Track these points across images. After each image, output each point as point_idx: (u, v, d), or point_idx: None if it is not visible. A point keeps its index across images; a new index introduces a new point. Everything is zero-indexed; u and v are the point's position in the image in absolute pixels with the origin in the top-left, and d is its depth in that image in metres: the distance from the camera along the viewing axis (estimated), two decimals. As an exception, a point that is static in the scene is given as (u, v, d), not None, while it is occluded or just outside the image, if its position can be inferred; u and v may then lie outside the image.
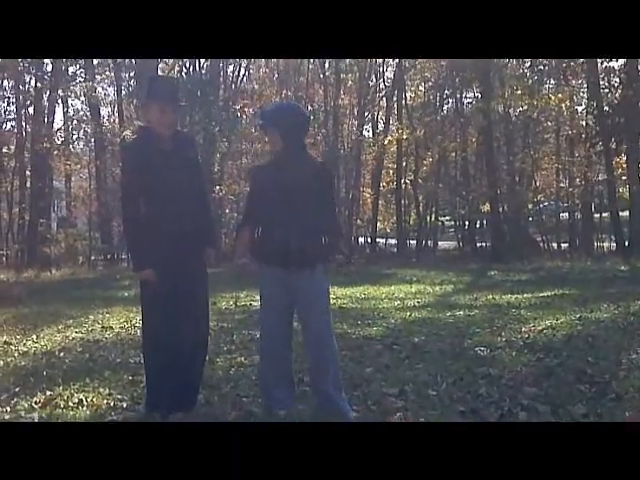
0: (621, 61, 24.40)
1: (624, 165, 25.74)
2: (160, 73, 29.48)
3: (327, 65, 32.91)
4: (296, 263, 4.67)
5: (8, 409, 5.37)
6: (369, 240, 33.28)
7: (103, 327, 9.80)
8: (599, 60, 24.41)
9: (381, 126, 35.90)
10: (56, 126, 30.08)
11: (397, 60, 32.24)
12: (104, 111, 33.26)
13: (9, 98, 28.41)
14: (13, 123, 28.95)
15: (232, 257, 4.99)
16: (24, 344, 8.60)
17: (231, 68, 32.02)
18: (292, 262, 4.67)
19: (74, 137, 31.23)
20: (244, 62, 32.46)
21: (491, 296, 12.49)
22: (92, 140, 30.56)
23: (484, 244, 29.67)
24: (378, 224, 34.52)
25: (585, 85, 28.47)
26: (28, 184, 28.24)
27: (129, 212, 4.85)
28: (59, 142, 29.48)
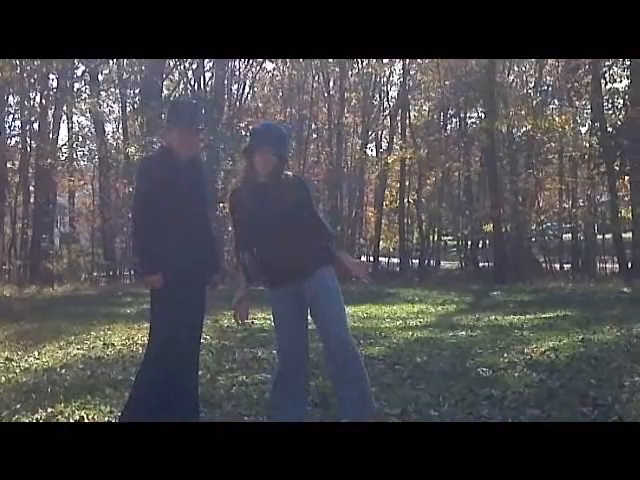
0: (625, 82, 24.49)
1: (627, 186, 25.76)
2: (165, 91, 29.66)
3: (331, 84, 33.06)
4: (299, 276, 4.69)
5: (9, 426, 5.35)
6: (372, 259, 33.24)
7: (105, 344, 9.78)
8: (603, 81, 24.49)
9: (385, 145, 36.00)
10: (60, 142, 30.18)
11: (401, 79, 32.41)
12: (108, 128, 33.40)
13: (14, 114, 28.47)
14: (18, 139, 28.99)
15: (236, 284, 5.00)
16: (25, 360, 8.59)
17: (235, 86, 32.15)
18: (295, 276, 4.70)
19: (78, 153, 31.26)
20: (248, 80, 32.61)
21: (493, 317, 12.47)
22: (96, 157, 30.60)
23: (487, 264, 29.62)
24: (381, 243, 34.51)
25: (589, 106, 28.53)
26: (32, 200, 28.29)
27: (142, 222, 4.89)
28: (63, 158, 29.53)
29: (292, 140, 5.60)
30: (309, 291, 4.71)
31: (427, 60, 30.31)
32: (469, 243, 33.22)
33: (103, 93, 30.94)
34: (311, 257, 4.70)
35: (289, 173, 4.96)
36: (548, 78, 31.50)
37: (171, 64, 30.25)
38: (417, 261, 32.81)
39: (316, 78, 33.19)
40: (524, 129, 28.57)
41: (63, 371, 7.76)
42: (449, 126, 35.38)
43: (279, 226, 4.69)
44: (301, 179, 5.16)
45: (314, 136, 34.76)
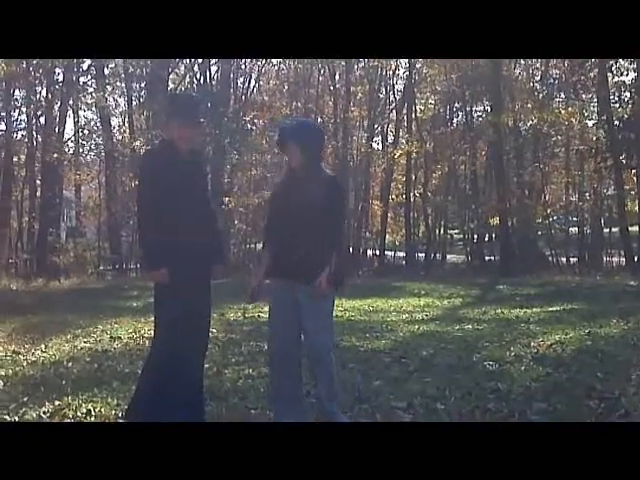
0: (632, 75, 24.43)
1: (634, 180, 25.69)
2: (171, 85, 29.62)
3: (337, 77, 33.00)
4: (302, 277, 4.71)
5: (16, 419, 5.37)
6: (377, 252, 33.25)
7: (111, 337, 9.80)
8: (609, 74, 24.42)
9: (391, 138, 35.97)
10: (67, 136, 30.18)
11: (407, 72, 32.36)
12: (115, 121, 33.41)
13: (20, 108, 28.48)
14: (24, 133, 29.00)
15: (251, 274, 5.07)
16: (33, 353, 8.60)
17: (241, 80, 32.14)
18: (298, 276, 4.72)
19: (85, 147, 31.31)
20: (254, 74, 32.63)
21: (500, 310, 12.45)
22: (102, 150, 30.61)
23: (493, 258, 29.60)
24: (387, 236, 34.50)
25: (595, 99, 28.45)
26: (38, 193, 28.30)
27: (145, 215, 4.91)
28: (69, 152, 29.56)
29: (322, 135, 5.60)
30: (303, 297, 4.75)
31: (433, 54, 30.22)
32: (475, 237, 33.21)
33: (109, 87, 30.91)
34: (318, 266, 4.71)
35: (330, 173, 5.06)
36: (554, 71, 31.39)
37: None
38: (423, 255, 32.77)
39: (322, 72, 33.16)
40: (530, 122, 28.48)
41: (70, 364, 7.77)
42: (455, 120, 35.42)
43: (303, 222, 4.74)
44: (336, 181, 5.15)
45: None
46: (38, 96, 27.97)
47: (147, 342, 8.77)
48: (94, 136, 30.97)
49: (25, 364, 7.88)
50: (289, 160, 4.89)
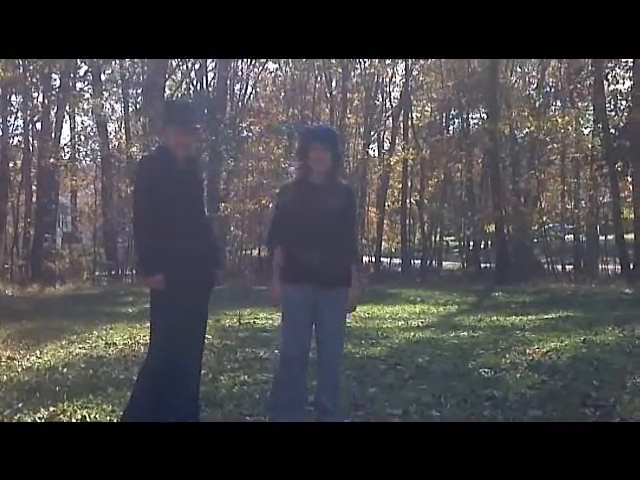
0: (627, 84, 24.46)
1: (630, 187, 25.71)
2: (168, 91, 29.62)
3: (334, 84, 33.06)
4: (323, 283, 4.76)
5: (11, 424, 5.35)
6: (373, 259, 33.23)
7: (107, 343, 9.78)
8: (605, 82, 24.46)
9: (387, 145, 36.02)
10: (63, 142, 30.10)
11: (403, 80, 32.40)
12: (111, 127, 33.40)
13: (16, 113, 28.40)
14: (20, 138, 28.93)
15: (268, 277, 5.04)
16: (28, 359, 8.59)
17: (238, 86, 32.17)
18: (319, 281, 4.76)
19: (81, 153, 31.24)
20: (251, 80, 32.68)
21: (495, 317, 12.47)
22: (98, 156, 30.59)
23: (489, 265, 29.58)
24: (383, 243, 34.50)
25: (591, 107, 28.49)
26: (34, 199, 28.27)
27: (141, 221, 4.91)
28: (66, 158, 29.51)
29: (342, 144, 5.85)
30: (323, 302, 4.79)
31: (429, 61, 30.32)
32: (471, 244, 33.22)
33: (105, 93, 30.91)
34: (341, 272, 4.83)
35: (343, 181, 5.13)
36: (551, 79, 31.49)
37: (174, 64, 30.29)
38: (419, 262, 32.77)
39: (318, 79, 33.22)
40: (526, 130, 28.55)
41: (65, 370, 7.75)
42: (451, 127, 35.40)
43: (322, 227, 4.78)
44: (352, 190, 5.28)
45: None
46: (35, 101, 27.90)
47: (142, 348, 8.76)
48: (90, 142, 30.96)
49: (20, 370, 7.87)
50: (314, 164, 4.80)
